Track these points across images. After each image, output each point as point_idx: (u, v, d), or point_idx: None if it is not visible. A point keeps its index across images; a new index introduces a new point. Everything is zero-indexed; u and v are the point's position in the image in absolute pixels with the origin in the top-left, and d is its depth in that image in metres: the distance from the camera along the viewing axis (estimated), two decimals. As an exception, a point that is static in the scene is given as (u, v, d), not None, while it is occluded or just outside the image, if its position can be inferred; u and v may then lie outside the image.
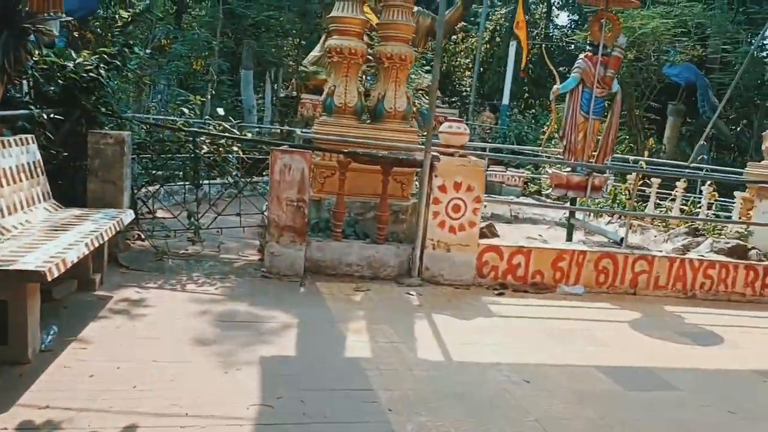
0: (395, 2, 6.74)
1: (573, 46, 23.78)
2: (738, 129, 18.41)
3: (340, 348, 4.19)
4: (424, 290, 5.86)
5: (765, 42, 19.14)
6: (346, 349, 4.17)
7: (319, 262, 6.00)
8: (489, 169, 14.70)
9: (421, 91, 14.19)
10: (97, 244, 4.17)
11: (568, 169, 7.79)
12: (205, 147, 6.35)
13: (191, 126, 6.80)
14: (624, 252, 6.55)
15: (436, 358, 4.18)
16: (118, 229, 4.81)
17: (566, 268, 6.40)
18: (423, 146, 6.18)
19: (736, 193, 7.63)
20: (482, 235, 6.54)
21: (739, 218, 7.90)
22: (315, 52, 15.00)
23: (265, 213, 6.18)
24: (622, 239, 6.87)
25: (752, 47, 11.53)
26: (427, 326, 4.83)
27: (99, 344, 3.85)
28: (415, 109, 14.19)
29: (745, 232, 7.28)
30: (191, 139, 6.30)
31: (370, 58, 7.54)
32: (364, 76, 8.07)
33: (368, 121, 6.95)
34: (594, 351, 4.65)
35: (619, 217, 9.96)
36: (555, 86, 7.74)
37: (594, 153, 7.85)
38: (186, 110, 6.70)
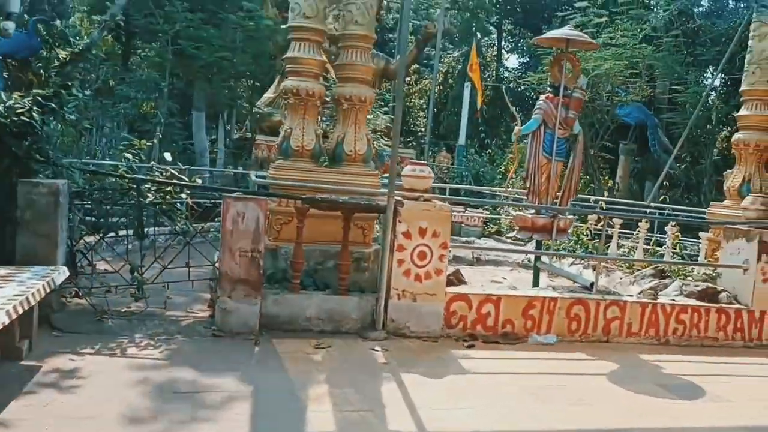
0: (354, 43, 6.51)
1: (523, 87, 24.21)
2: (684, 167, 18.83)
3: (298, 422, 3.75)
4: (389, 344, 5.48)
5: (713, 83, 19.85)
6: (306, 424, 3.73)
7: (275, 317, 5.57)
8: (448, 209, 14.49)
9: (379, 133, 14.01)
10: (21, 311, 3.67)
11: (533, 211, 7.60)
12: (150, 195, 5.89)
13: (135, 172, 6.33)
14: (595, 298, 6.33)
15: (409, 429, 3.78)
16: (48, 289, 4.31)
17: (537, 316, 6.12)
18: (385, 190, 5.88)
19: (701, 234, 7.58)
20: (449, 283, 6.23)
21: (706, 259, 7.82)
22: (269, 93, 14.72)
23: (217, 265, 5.73)
24: (592, 284, 6.66)
25: (707, 89, 11.80)
26: (396, 389, 4.44)
27: (20, 428, 3.32)
28: (374, 151, 13.88)
29: (713, 274, 7.16)
30: (135, 186, 5.84)
31: (328, 99, 7.28)
32: (319, 118, 7.77)
33: (327, 165, 6.63)
34: (578, 411, 4.33)
35: (583, 259, 9.81)
36: (516, 127, 7.58)
37: (558, 194, 7.68)
38: (129, 155, 6.24)
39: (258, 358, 4.89)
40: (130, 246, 6.31)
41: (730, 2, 20.67)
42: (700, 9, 20.03)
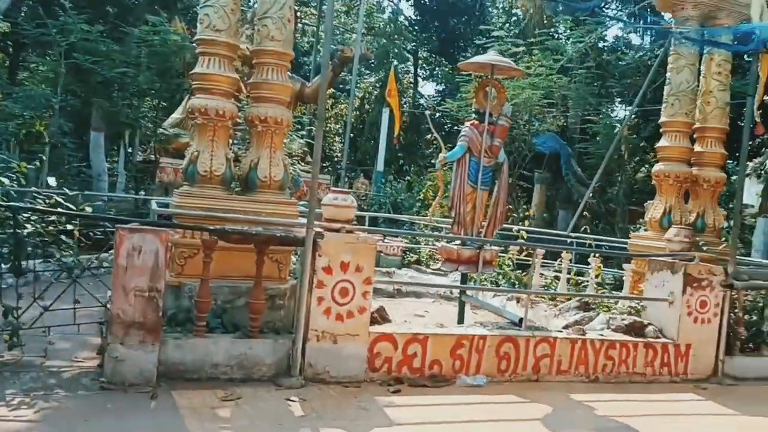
0: (269, 60, 6.06)
1: (440, 113, 24.46)
2: (595, 196, 19.44)
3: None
4: (307, 393, 4.99)
5: (617, 115, 20.75)
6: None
7: (177, 365, 4.96)
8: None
9: (295, 157, 13.52)
10: None
11: (459, 242, 7.34)
12: (29, 225, 5.14)
13: (13, 198, 5.55)
14: (525, 335, 6.09)
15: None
16: None
17: (466, 356, 5.81)
18: (303, 221, 5.43)
19: (625, 266, 7.58)
20: (372, 321, 5.81)
21: (630, 291, 7.81)
22: (177, 114, 13.92)
23: (108, 306, 5.05)
24: (521, 320, 6.43)
25: (625, 121, 12.13)
26: (316, 449, 3.94)
27: None
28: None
29: (639, 307, 7.13)
30: (11, 215, 5.08)
31: (240, 120, 6.76)
32: (231, 140, 7.23)
33: (239, 192, 6.10)
34: (517, 468, 3.99)
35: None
36: (441, 154, 7.35)
37: (484, 224, 7.49)
38: (6, 180, 5.46)
39: (154, 415, 4.26)
40: (3, 284, 5.49)
41: (636, 38, 21.83)
42: (607, 44, 21.01)
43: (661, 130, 8.34)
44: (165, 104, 14.45)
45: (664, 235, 7.45)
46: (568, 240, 10.31)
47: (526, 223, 11.02)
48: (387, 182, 17.68)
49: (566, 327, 7.27)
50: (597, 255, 8.37)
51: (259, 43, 6.10)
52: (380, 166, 18.65)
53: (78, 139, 14.89)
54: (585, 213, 12.78)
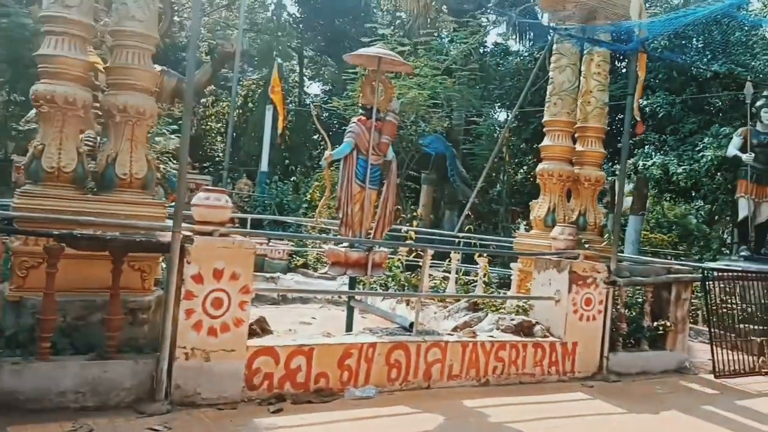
0: (129, 42, 5.37)
1: (327, 113, 24.07)
2: (482, 197, 19.81)
3: None
4: (174, 419, 4.40)
5: (498, 117, 21.29)
6: None
7: (15, 393, 4.22)
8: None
9: (168, 155, 12.60)
10: None
11: (346, 244, 6.95)
12: None
13: None
14: (416, 340, 5.80)
15: None
16: None
17: (354, 366, 5.42)
18: (170, 223, 4.81)
19: (512, 265, 7.52)
20: (251, 333, 5.29)
21: (517, 291, 7.76)
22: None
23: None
24: (411, 324, 6.13)
25: (508, 123, 12.26)
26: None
27: None
28: (159, 175, 12.39)
29: (526, 306, 7.07)
30: None
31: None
32: (88, 132, 6.41)
33: (96, 192, 5.35)
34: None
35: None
36: (327, 152, 6.91)
37: (373, 225, 7.13)
38: None
39: (-21, 462, 3.52)
40: None
41: (514, 44, 22.49)
42: (488, 49, 21.53)
43: (544, 130, 8.40)
44: (23, 98, 12.95)
45: (549, 234, 7.46)
46: (456, 240, 10.23)
47: (415, 223, 10.83)
48: (272, 183, 16.98)
49: (456, 329, 7.10)
50: (484, 255, 8.26)
51: (117, 23, 5.40)
52: (264, 166, 17.89)
53: None
54: (469, 213, 12.82)
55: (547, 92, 8.25)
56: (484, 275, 8.41)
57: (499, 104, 20.64)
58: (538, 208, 8.24)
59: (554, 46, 8.26)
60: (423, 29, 15.68)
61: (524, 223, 11.50)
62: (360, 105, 7.25)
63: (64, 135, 5.13)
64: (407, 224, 12.14)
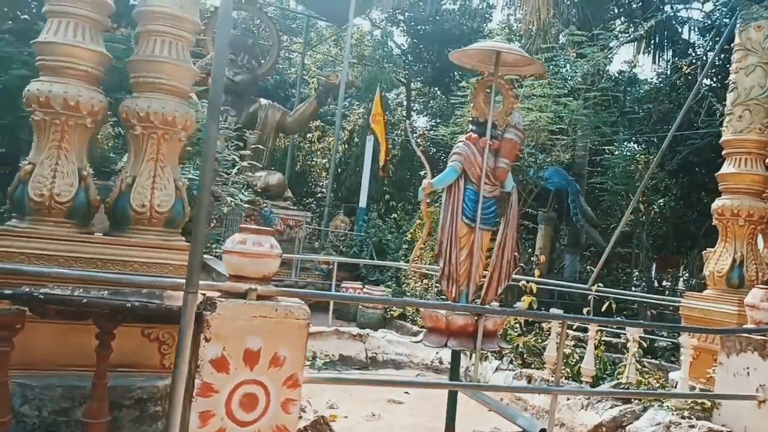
0: (155, 27, 4.00)
1: (433, 147, 22.51)
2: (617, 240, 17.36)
3: None
4: None
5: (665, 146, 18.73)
6: None
7: None
8: (342, 284, 12.03)
9: (252, 188, 11.45)
10: None
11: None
12: None
13: None
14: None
15: None
16: None
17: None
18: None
19: (682, 340, 5.39)
20: (306, 440, 3.60)
21: (691, 377, 5.54)
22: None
23: None
24: (542, 431, 4.20)
25: (659, 152, 10.05)
26: None
27: None
28: (254, 212, 11.11)
29: (708, 403, 4.93)
30: None
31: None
32: (93, 147, 5.11)
33: (110, 229, 3.96)
34: None
35: (511, 362, 7.45)
36: (426, 180, 5.21)
37: (484, 278, 5.33)
38: None
39: None
40: None
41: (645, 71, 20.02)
42: (613, 72, 19.22)
43: (723, 153, 6.26)
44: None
45: (735, 296, 5.31)
46: (589, 296, 8.12)
47: (537, 273, 8.83)
48: (370, 220, 15.52)
49: (600, 427, 5.08)
50: (633, 329, 6.02)
51: (143, 2, 4.03)
52: (363, 201, 16.50)
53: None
54: (586, 254, 10.60)
55: (728, 101, 6.14)
56: (636, 350, 6.25)
57: (631, 131, 18.17)
58: (717, 260, 6.06)
59: (736, 40, 6.15)
60: (543, 44, 13.78)
61: (681, 275, 9.16)
62: (470, 119, 5.52)
63: (63, 151, 3.77)
64: (532, 272, 10.10)
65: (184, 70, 4.10)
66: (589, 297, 8.14)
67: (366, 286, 11.98)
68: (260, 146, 16.04)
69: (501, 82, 5.37)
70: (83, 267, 3.60)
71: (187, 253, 3.87)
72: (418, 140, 19.76)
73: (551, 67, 13.13)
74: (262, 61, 17.54)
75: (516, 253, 6.04)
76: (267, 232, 3.44)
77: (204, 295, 3.18)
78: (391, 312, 11.24)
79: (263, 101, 17.40)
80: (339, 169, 25.38)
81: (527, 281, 7.80)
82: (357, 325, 10.65)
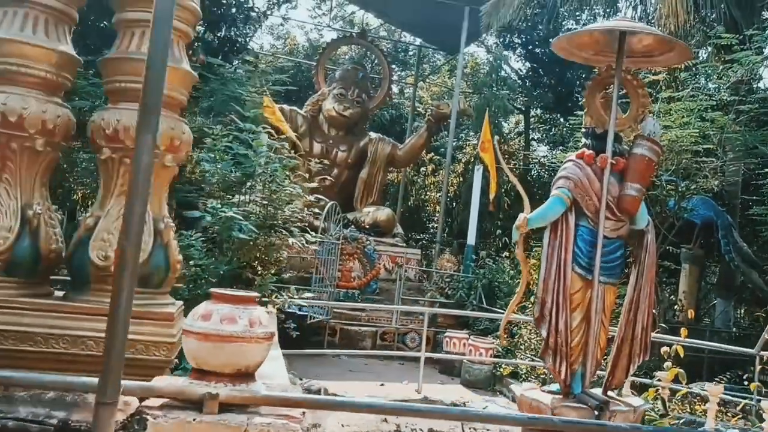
0: (138, 15, 2.99)
1: (548, 173, 20.69)
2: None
3: None
4: None
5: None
6: None
7: None
8: (446, 333, 10.74)
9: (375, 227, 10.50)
10: None
11: (553, 389, 3.73)
12: None
13: None
14: None
15: None
16: None
17: None
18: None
19: None
20: None
21: None
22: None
23: None
24: None
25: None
26: None
27: None
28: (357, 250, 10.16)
29: None
30: None
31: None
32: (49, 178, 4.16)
33: (70, 290, 2.97)
34: None
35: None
36: (522, 214, 3.84)
37: (607, 354, 3.84)
38: None
39: None
40: None
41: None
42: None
43: None
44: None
45: None
46: (756, 365, 6.22)
47: (684, 332, 6.87)
48: (480, 259, 14.05)
49: None
50: None
51: (118, -14, 3.07)
52: (471, 238, 15.07)
53: None
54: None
55: None
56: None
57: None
58: None
59: None
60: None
61: None
62: (583, 129, 4.12)
63: (5, 185, 2.82)
64: (672, 320, 8.21)
65: (173, 73, 3.07)
66: (758, 364, 6.24)
67: (471, 336, 10.53)
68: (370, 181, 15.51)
69: (627, 78, 3.92)
70: (14, 344, 2.59)
71: (173, 324, 2.80)
72: (535, 173, 18.15)
73: (693, 78, 11.26)
74: (373, 95, 17.06)
75: (654, 311, 4.51)
76: (245, 299, 2.24)
77: (139, 404, 2.04)
78: (501, 371, 9.70)
79: (373, 135, 16.83)
80: (453, 203, 24.24)
81: (669, 345, 6.05)
82: (462, 382, 9.30)
